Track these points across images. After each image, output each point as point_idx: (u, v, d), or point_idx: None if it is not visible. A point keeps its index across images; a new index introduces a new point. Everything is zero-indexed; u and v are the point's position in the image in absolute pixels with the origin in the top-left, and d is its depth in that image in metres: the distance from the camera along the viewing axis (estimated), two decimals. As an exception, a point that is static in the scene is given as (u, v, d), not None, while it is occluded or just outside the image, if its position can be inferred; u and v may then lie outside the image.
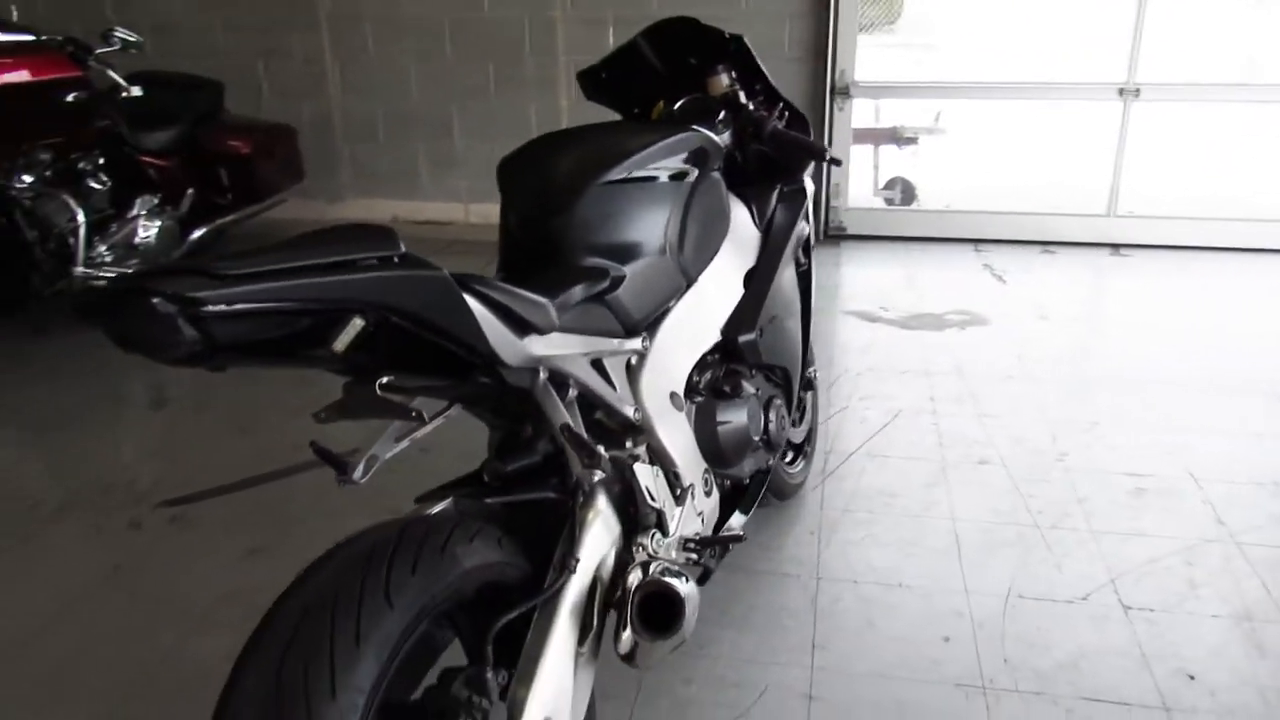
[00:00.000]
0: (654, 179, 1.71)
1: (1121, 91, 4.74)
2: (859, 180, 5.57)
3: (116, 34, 3.89)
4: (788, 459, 2.59)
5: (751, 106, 2.06)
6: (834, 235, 5.13)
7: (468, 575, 1.25)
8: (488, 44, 5.33)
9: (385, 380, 1.26)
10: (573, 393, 1.47)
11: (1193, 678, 1.92)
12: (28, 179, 3.72)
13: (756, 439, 1.81)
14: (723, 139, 2.02)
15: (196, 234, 4.55)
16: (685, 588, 1.38)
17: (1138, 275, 4.61)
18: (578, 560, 1.36)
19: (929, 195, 5.82)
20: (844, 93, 4.88)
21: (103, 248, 4.04)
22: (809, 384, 2.55)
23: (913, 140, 5.93)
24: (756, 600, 2.19)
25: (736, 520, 1.86)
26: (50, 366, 3.71)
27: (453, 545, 1.27)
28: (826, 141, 4.91)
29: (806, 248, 2.16)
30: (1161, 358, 3.54)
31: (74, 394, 3.46)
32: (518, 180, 1.69)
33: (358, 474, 1.40)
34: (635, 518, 1.54)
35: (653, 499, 1.54)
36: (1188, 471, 2.71)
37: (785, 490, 2.47)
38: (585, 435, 1.38)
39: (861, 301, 4.21)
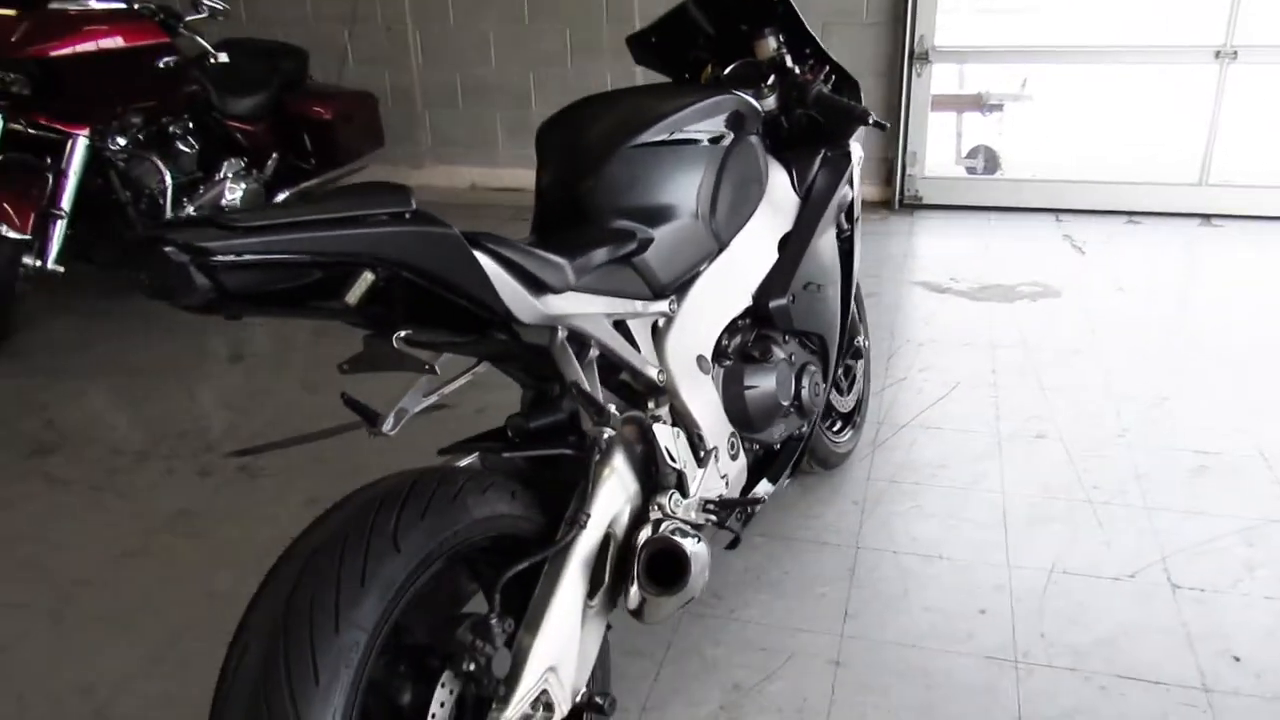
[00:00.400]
0: (686, 142, 1.71)
1: (1218, 54, 4.51)
2: (940, 148, 5.44)
3: (205, 2, 4.03)
4: (836, 428, 2.58)
5: (797, 70, 2.03)
6: (909, 205, 5.03)
7: (477, 525, 1.30)
8: (565, 11, 5.34)
9: (403, 334, 1.31)
10: (593, 352, 1.49)
11: (1238, 659, 1.87)
12: (121, 141, 3.88)
13: (785, 405, 1.80)
14: (767, 103, 2.01)
15: (281, 197, 4.70)
16: (693, 546, 1.40)
17: (1228, 247, 4.41)
18: (588, 516, 1.39)
19: (1013, 164, 5.65)
20: (923, 58, 4.75)
21: (191, 209, 4.21)
22: (857, 353, 2.53)
23: (998, 107, 5.76)
24: (792, 567, 2.20)
25: (763, 488, 1.86)
26: (142, 320, 3.90)
27: (464, 495, 1.31)
28: (903, 109, 4.80)
29: (850, 214, 2.13)
30: (1244, 332, 3.39)
31: (162, 346, 3.64)
32: (552, 143, 1.71)
33: (387, 426, 1.46)
34: (655, 477, 1.56)
35: (672, 460, 1.56)
36: (1259, 450, 2.60)
37: (830, 459, 2.47)
38: (598, 394, 1.41)
39: (931, 272, 4.13)
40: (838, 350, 2.11)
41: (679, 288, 1.69)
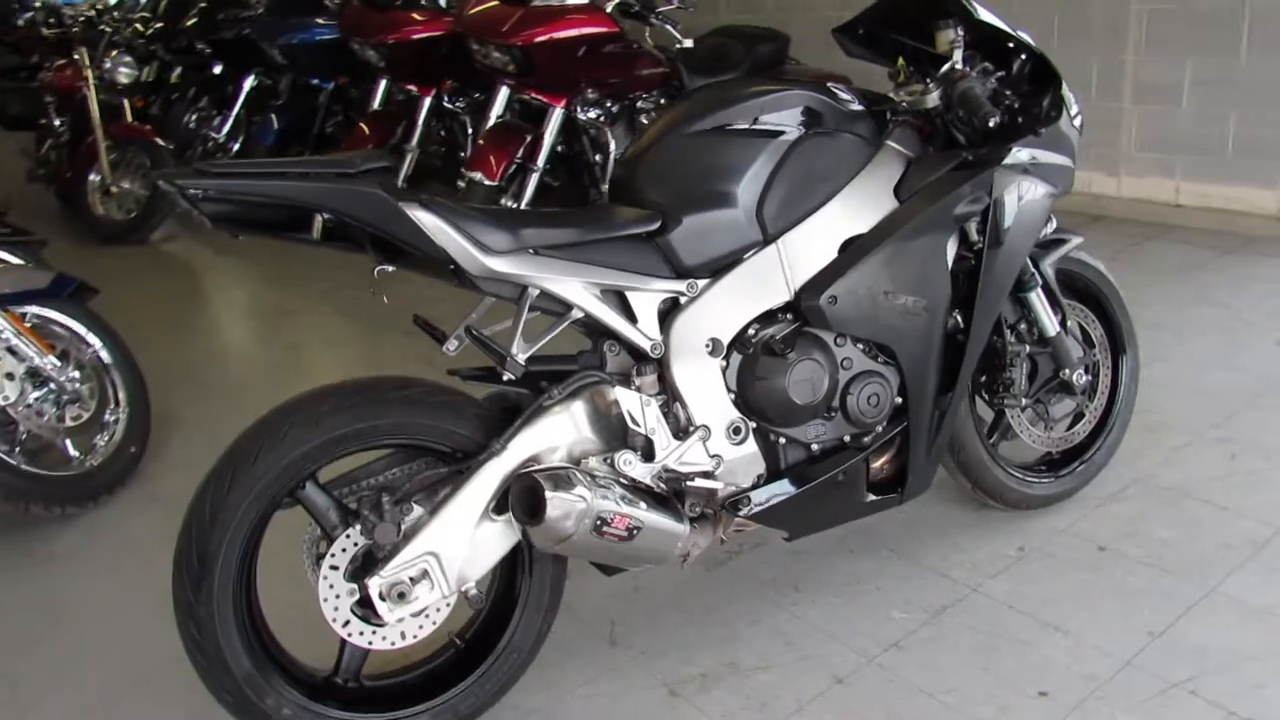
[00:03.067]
0: (743, 133, 1.78)
1: None
2: None
3: (676, -6, 4.63)
4: (1042, 469, 2.32)
5: (958, 66, 1.90)
6: None
7: (403, 426, 1.65)
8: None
9: (389, 269, 1.70)
10: (576, 313, 1.71)
11: None
12: (593, 113, 4.70)
13: (802, 404, 1.76)
14: (930, 99, 1.93)
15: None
16: (561, 492, 1.55)
17: None
18: (503, 446, 1.63)
19: None
20: None
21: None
22: (1067, 387, 2.21)
23: None
24: (889, 586, 2.11)
25: (780, 486, 1.83)
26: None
27: (409, 401, 1.67)
28: None
29: (983, 227, 1.91)
30: None
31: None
32: (643, 127, 1.91)
33: (451, 346, 1.83)
34: (624, 436, 1.72)
35: (635, 424, 1.70)
36: None
37: (1006, 495, 2.23)
38: (525, 347, 1.65)
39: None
40: (944, 375, 1.92)
41: (715, 271, 1.78)
